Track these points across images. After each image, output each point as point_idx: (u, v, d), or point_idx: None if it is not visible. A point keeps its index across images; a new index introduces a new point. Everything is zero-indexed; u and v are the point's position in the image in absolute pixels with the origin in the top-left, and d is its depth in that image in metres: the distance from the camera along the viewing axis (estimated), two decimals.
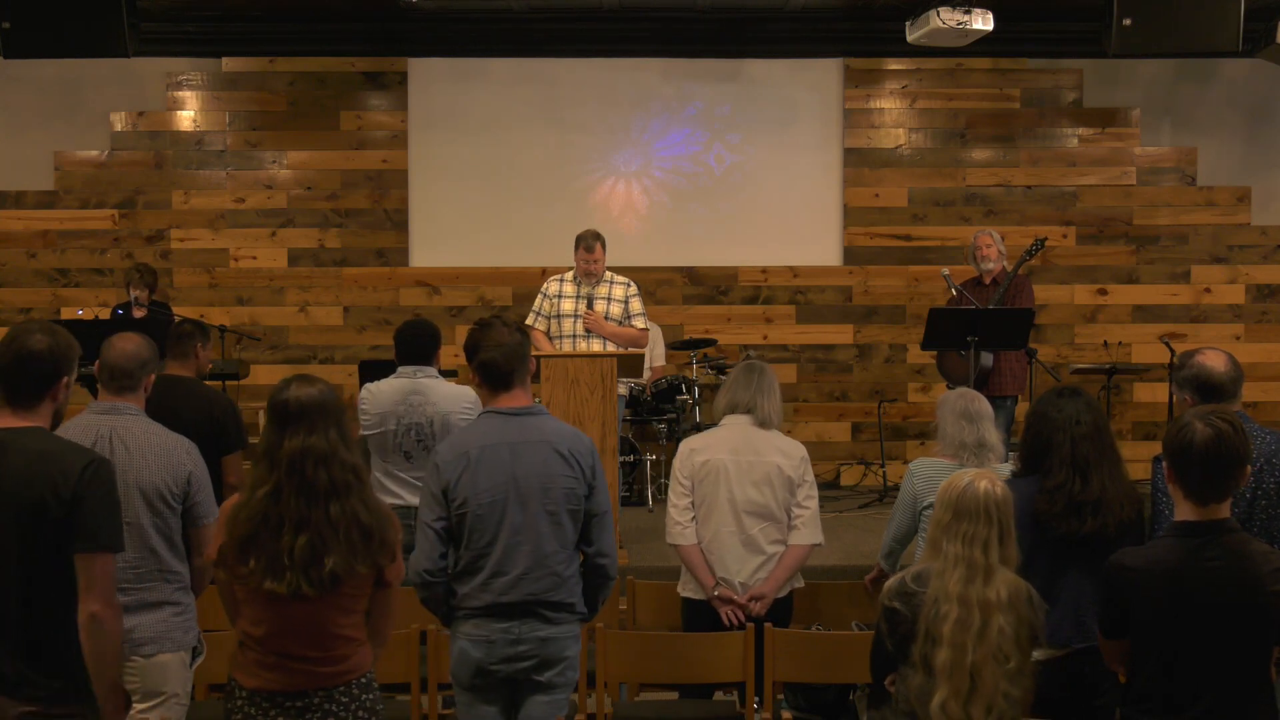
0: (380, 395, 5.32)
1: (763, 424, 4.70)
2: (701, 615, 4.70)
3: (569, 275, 7.33)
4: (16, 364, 3.09)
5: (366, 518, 3.12)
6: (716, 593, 4.63)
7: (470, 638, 3.66)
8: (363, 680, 3.19)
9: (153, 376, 3.99)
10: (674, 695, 4.94)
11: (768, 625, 4.43)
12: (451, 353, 8.25)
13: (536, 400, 6.51)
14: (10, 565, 2.98)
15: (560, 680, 3.70)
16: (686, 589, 4.77)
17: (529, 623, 3.64)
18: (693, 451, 4.73)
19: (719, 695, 4.88)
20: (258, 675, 3.14)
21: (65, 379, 3.16)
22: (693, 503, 4.69)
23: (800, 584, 4.82)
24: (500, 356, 3.73)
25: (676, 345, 9.11)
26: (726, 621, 4.61)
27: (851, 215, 9.72)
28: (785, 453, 4.68)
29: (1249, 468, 3.19)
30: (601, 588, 3.80)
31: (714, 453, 4.67)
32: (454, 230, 9.71)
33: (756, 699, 4.43)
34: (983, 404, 4.62)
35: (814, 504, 4.69)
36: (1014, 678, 3.26)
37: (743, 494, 4.62)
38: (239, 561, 3.09)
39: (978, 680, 3.21)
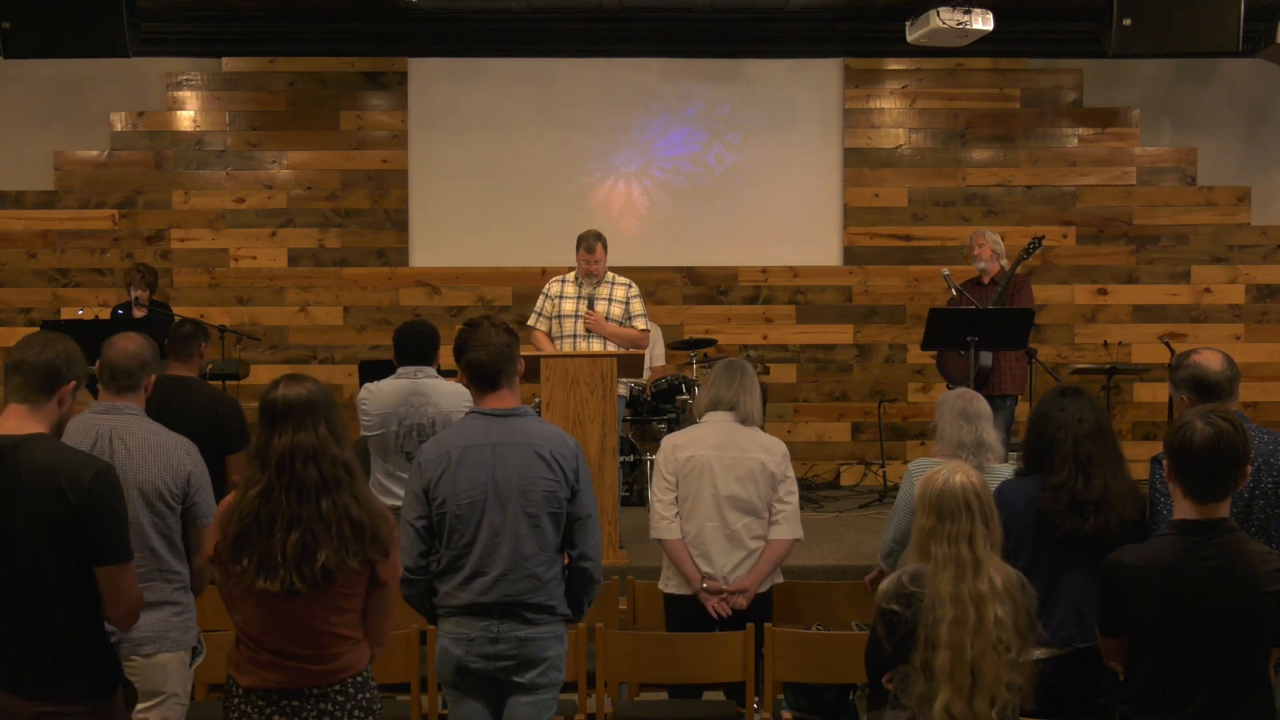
0: (381, 396, 5.31)
1: (744, 420, 4.75)
2: (684, 611, 4.72)
3: (570, 276, 7.35)
4: (19, 362, 3.16)
5: (358, 513, 3.13)
6: (705, 585, 4.65)
7: (451, 635, 3.68)
8: (358, 679, 3.20)
9: (153, 377, 4.01)
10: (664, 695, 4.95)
11: (768, 626, 4.43)
12: (451, 353, 8.24)
13: (536, 400, 6.62)
14: (24, 572, 3.04)
15: (543, 681, 3.69)
16: (669, 585, 4.80)
17: (508, 622, 3.64)
18: (676, 447, 4.77)
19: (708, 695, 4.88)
20: (253, 673, 3.16)
21: (72, 383, 3.19)
22: (677, 498, 4.72)
23: (779, 579, 4.85)
24: (487, 356, 3.74)
25: (676, 345, 9.10)
26: (714, 614, 4.63)
27: (851, 215, 9.72)
28: (768, 449, 4.72)
29: (1248, 467, 3.20)
30: (586, 591, 3.79)
31: (698, 448, 4.71)
32: (454, 230, 9.71)
33: (756, 699, 4.43)
34: (981, 404, 4.63)
35: (795, 499, 4.74)
36: (1015, 666, 3.27)
37: (727, 489, 4.66)
38: (232, 560, 3.12)
39: (979, 674, 3.21)
